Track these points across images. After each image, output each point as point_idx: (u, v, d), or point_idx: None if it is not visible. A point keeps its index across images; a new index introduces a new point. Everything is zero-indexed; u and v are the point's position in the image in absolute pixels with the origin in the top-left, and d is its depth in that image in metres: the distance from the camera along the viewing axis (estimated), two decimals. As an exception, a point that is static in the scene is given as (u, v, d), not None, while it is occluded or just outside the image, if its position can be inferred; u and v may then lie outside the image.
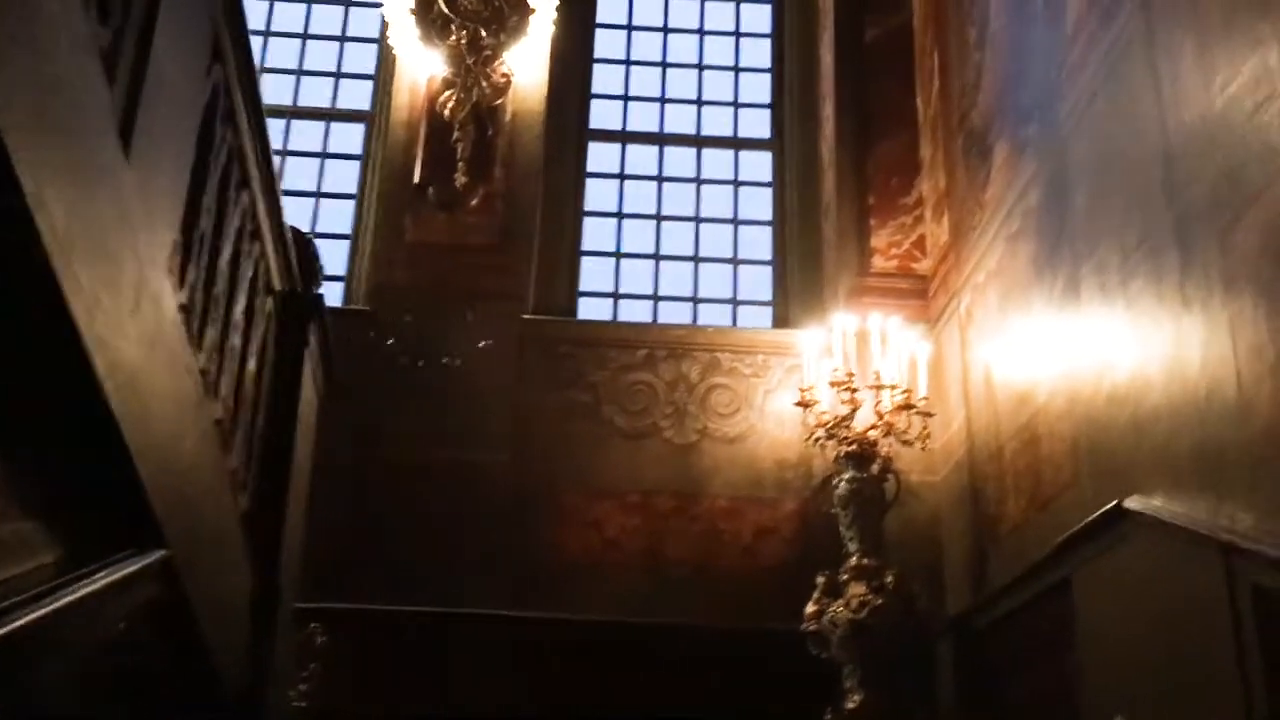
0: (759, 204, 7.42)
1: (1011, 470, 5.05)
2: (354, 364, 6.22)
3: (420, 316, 6.36)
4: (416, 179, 6.71)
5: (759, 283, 7.27)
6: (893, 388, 5.59)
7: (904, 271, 6.60)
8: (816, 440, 5.65)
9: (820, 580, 5.43)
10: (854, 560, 5.39)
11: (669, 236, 7.32)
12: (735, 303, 7.15)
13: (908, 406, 5.57)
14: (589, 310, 7.02)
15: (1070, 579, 4.17)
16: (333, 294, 6.96)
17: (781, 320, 7.00)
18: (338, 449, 6.05)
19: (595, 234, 7.27)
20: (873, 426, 5.59)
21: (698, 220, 7.35)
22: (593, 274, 7.17)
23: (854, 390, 5.53)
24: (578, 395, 6.36)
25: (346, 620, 5.57)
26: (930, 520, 6.02)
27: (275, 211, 3.21)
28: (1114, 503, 3.73)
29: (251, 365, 3.19)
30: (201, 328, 2.74)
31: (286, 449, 3.34)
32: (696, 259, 7.26)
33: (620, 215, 7.34)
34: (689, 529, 6.10)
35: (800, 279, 7.07)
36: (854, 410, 5.52)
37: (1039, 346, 4.82)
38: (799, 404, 5.70)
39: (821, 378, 5.81)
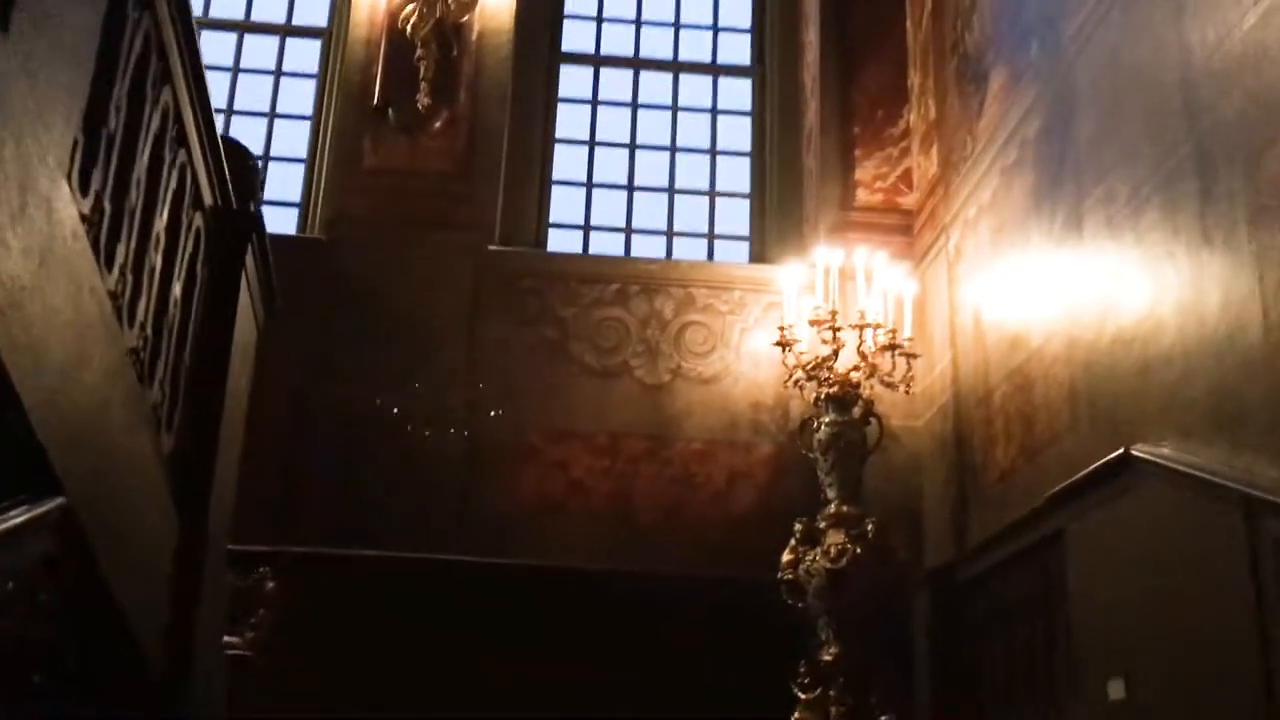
0: (738, 133, 7.07)
1: (1001, 416, 4.79)
2: (307, 296, 5.88)
3: (378, 246, 5.99)
4: (376, 100, 6.30)
5: (737, 216, 6.95)
6: (877, 327, 5.31)
7: (889, 206, 6.29)
8: (795, 382, 5.36)
9: (797, 528, 5.17)
10: (832, 508, 5.14)
11: (643, 166, 6.97)
12: (712, 237, 6.83)
13: (893, 347, 5.29)
14: (558, 243, 6.68)
15: (1064, 531, 3.92)
16: (286, 221, 6.60)
17: (759, 256, 6.69)
18: (290, 385, 5.74)
19: (565, 163, 6.91)
20: (855, 368, 5.31)
21: (673, 150, 6.99)
22: (562, 205, 6.82)
23: (837, 329, 5.24)
24: (545, 331, 6.04)
25: (297, 565, 5.27)
26: (910, 467, 5.78)
27: (204, 115, 2.84)
28: (1119, 451, 3.47)
29: (177, 289, 2.84)
30: (111, 243, 2.39)
31: (218, 382, 3.00)
32: (672, 190, 6.91)
33: (592, 143, 6.97)
34: (660, 473, 5.83)
35: (780, 213, 6.75)
36: (837, 350, 5.23)
37: (1035, 285, 4.54)
38: (778, 343, 5.40)
39: (802, 316, 5.51)
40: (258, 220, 3.02)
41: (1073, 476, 3.90)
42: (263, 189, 3.18)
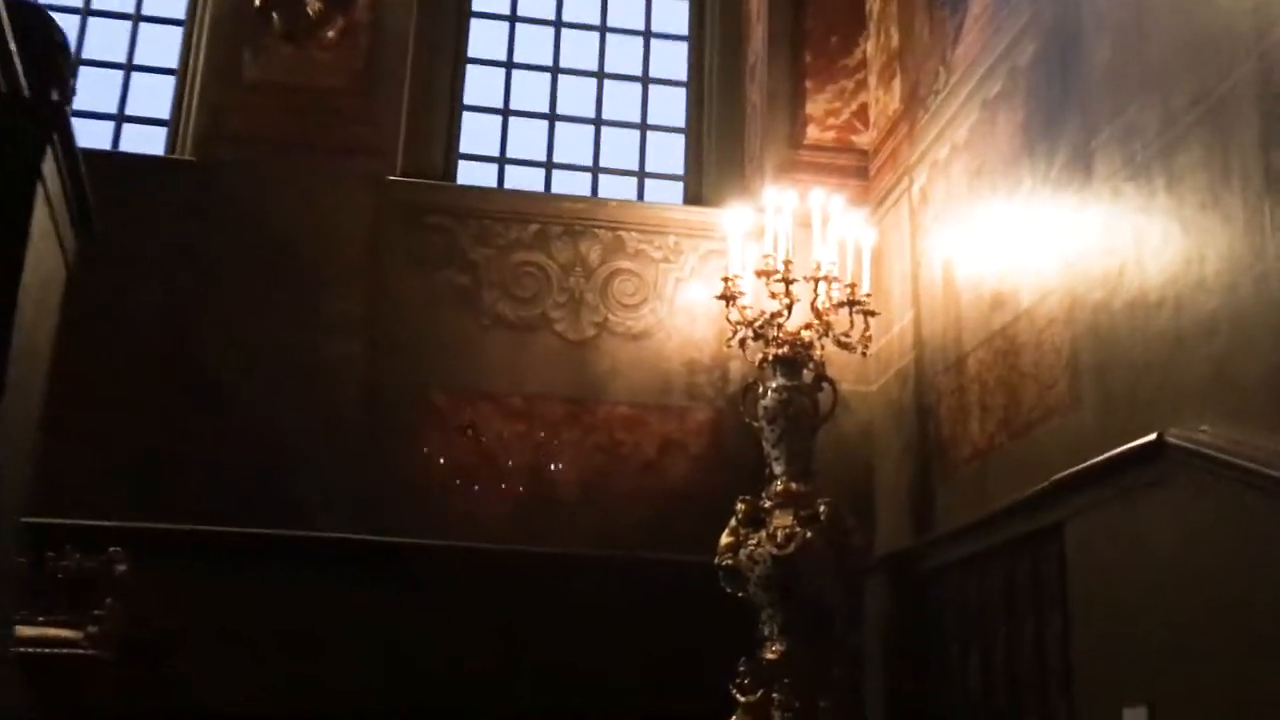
0: (673, 60, 6.33)
1: (977, 385, 4.20)
2: (173, 229, 5.05)
3: (260, 173, 5.15)
4: (258, 2, 5.42)
5: (670, 152, 6.23)
6: (833, 280, 4.66)
7: (842, 145, 5.64)
8: (740, 340, 4.70)
9: (740, 507, 4.53)
10: (779, 485, 4.51)
11: (567, 93, 6.20)
12: (643, 175, 6.10)
13: (851, 303, 4.65)
14: (470, 175, 5.90)
15: (1063, 526, 3.35)
16: (153, 141, 5.71)
17: (694, 197, 5.99)
18: (153, 334, 4.92)
19: (479, 85, 6.10)
20: (807, 326, 4.67)
21: (601, 76, 6.24)
22: (475, 132, 6.03)
23: (790, 282, 4.58)
24: (453, 276, 5.28)
25: (156, 544, 4.50)
26: (861, 438, 5.18)
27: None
28: (1151, 436, 2.87)
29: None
30: None
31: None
32: (599, 121, 6.16)
33: (510, 65, 6.18)
34: (582, 440, 5.14)
35: (718, 150, 6.05)
36: (790, 306, 4.58)
37: (1026, 236, 3.93)
38: (721, 296, 4.73)
39: (747, 266, 4.85)
40: (60, 115, 2.23)
41: (1072, 461, 3.34)
42: (75, 76, 2.38)
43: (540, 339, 5.24)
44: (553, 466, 5.10)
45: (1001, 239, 4.11)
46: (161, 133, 5.69)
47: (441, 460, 5.00)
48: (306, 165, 5.17)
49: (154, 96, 5.86)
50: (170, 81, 5.75)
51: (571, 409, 5.17)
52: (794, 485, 4.51)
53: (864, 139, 5.64)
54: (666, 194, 6.13)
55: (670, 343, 5.32)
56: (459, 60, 6.05)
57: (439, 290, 5.23)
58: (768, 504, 4.52)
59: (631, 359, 5.28)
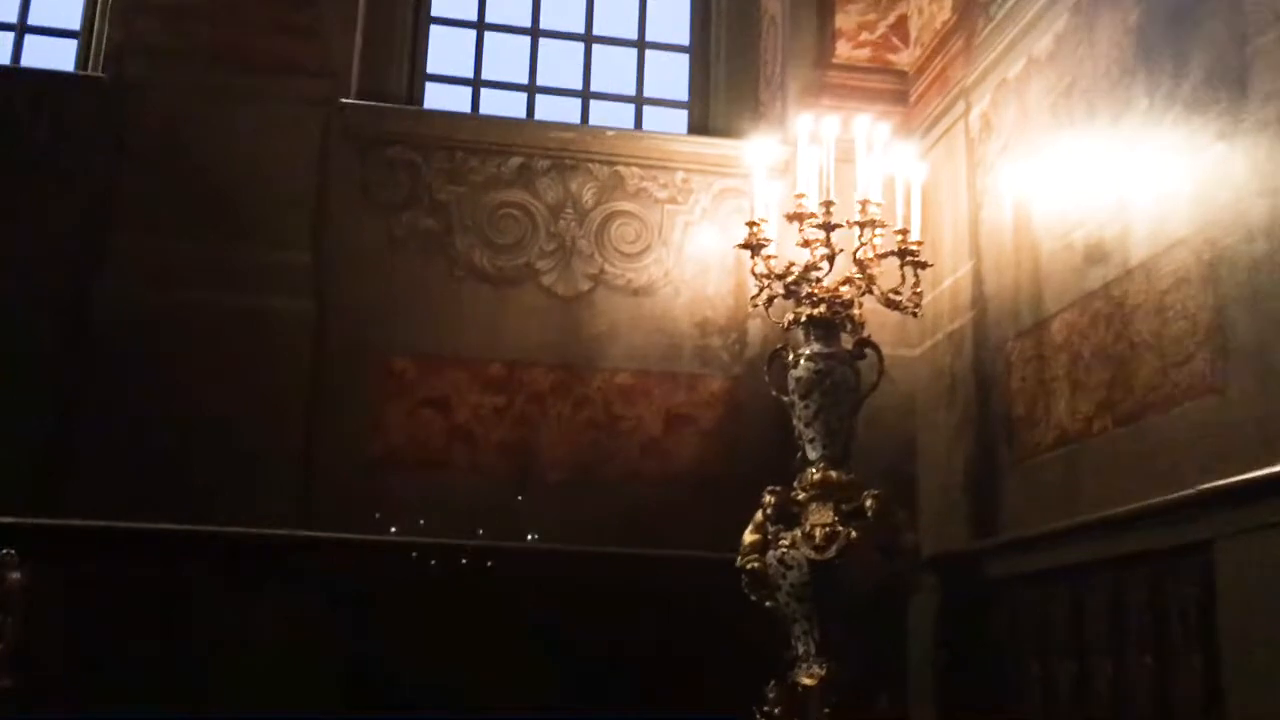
0: (676, -35, 5.45)
1: (1065, 355, 3.41)
2: (82, 159, 4.17)
3: (186, 92, 4.26)
4: (182, -114, 4.49)
5: (672, 74, 5.36)
6: (879, 225, 3.85)
7: (878, 64, 4.79)
8: (768, 298, 3.89)
9: (768, 499, 3.76)
10: (815, 472, 3.73)
11: (553, 4, 5.31)
12: (640, 100, 5.24)
13: (903, 253, 3.85)
14: (439, 99, 5.02)
15: (1212, 546, 2.58)
16: (61, 54, 4.80)
17: (700, 127, 5.13)
18: (58, 287, 4.07)
19: (450, -7, 5.21)
20: (846, 280, 3.86)
21: (592, -17, 5.34)
22: (445, 49, 5.14)
23: (831, 228, 3.76)
24: (419, 219, 4.43)
25: (62, 544, 3.73)
26: (900, 412, 4.38)
27: None
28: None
29: None
30: None
31: None
32: (590, 38, 5.28)
33: (485, -31, 5.27)
34: (574, 415, 4.33)
35: (729, 71, 5.18)
36: (831, 256, 3.76)
37: (1136, 172, 3.12)
38: (744, 245, 3.90)
39: (773, 209, 4.03)
40: None
41: (1212, 458, 2.59)
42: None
43: (524, 294, 4.41)
44: (539, 446, 4.29)
45: (1101, 175, 3.30)
46: (71, 46, 4.79)
47: (405, 440, 4.18)
48: (240, 85, 4.29)
49: (62, 5, 4.95)
50: (81, -15, 4.83)
51: (561, 377, 4.35)
52: (833, 473, 3.72)
53: (903, 58, 4.79)
54: (668, 122, 5.28)
55: (678, 299, 4.50)
56: (426, -37, 5.15)
57: (401, 236, 4.38)
58: (801, 495, 3.74)
59: (632, 318, 4.45)
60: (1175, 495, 2.66)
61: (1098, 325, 3.26)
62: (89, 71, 4.52)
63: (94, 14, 4.69)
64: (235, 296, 4.07)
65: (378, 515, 4.04)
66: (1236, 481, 2.46)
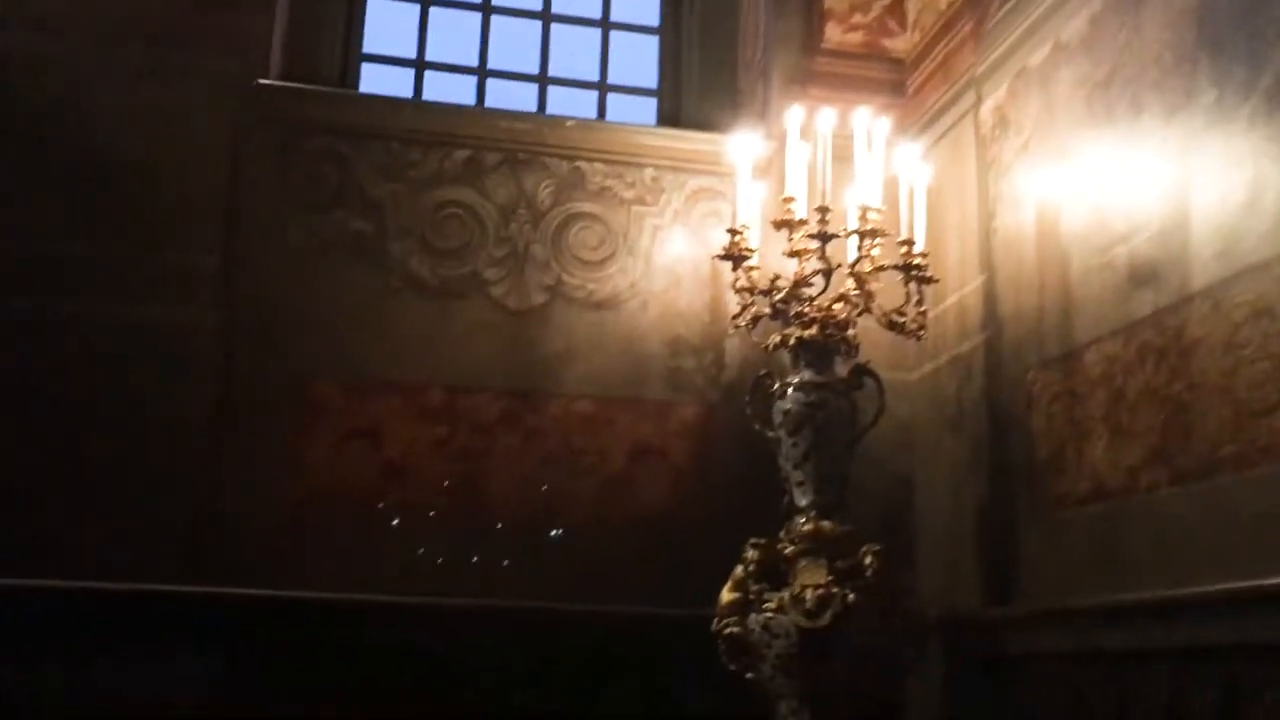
0: (644, -63, 4.89)
1: (1104, 393, 2.89)
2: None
3: (73, 70, 3.65)
4: None
5: (638, 58, 4.80)
6: (880, 234, 3.32)
7: (871, 50, 4.25)
8: (752, 318, 3.35)
9: (750, 554, 3.22)
10: (805, 522, 3.20)
11: (506, -22, 4.74)
12: (604, 87, 4.67)
13: (908, 267, 3.32)
14: (375, 82, 4.44)
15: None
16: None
17: (670, 118, 4.58)
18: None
19: (389, -37, 4.62)
20: (841, 297, 3.33)
21: (550, -44, 4.77)
22: (382, 26, 4.55)
23: (827, 237, 3.22)
24: (347, 220, 3.84)
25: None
26: (894, 444, 3.82)
27: None
28: None
29: None
30: None
31: None
32: (547, 16, 4.71)
33: (430, -63, 4.68)
34: (525, 449, 3.77)
35: (703, 56, 4.64)
36: (828, 271, 3.23)
37: (1198, 178, 2.61)
38: (725, 256, 3.36)
39: (754, 212, 3.49)
40: None
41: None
42: None
43: (470, 308, 3.84)
44: (485, 485, 3.72)
45: (1151, 181, 2.78)
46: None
47: (328, 480, 3.59)
48: (139, 61, 3.68)
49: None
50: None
51: (511, 405, 3.79)
52: (826, 524, 3.20)
53: (899, 44, 4.26)
54: (635, 112, 4.73)
55: (646, 314, 3.94)
56: (362, -71, 4.55)
57: (328, 239, 3.80)
58: (789, 549, 3.21)
59: (594, 336, 3.89)
60: (1270, 582, 2.14)
61: (1146, 360, 2.74)
62: (-33, 46, 3.89)
63: (-25, -22, 4.07)
64: (126, 307, 3.48)
65: (294, 568, 3.46)
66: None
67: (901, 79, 4.21)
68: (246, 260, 3.66)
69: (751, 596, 3.21)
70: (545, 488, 3.75)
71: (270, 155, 3.81)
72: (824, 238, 3.20)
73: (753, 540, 3.23)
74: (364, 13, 4.48)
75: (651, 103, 4.71)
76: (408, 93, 4.47)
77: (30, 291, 3.42)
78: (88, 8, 3.66)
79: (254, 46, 3.90)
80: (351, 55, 4.40)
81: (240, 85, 3.81)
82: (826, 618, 3.08)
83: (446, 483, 3.67)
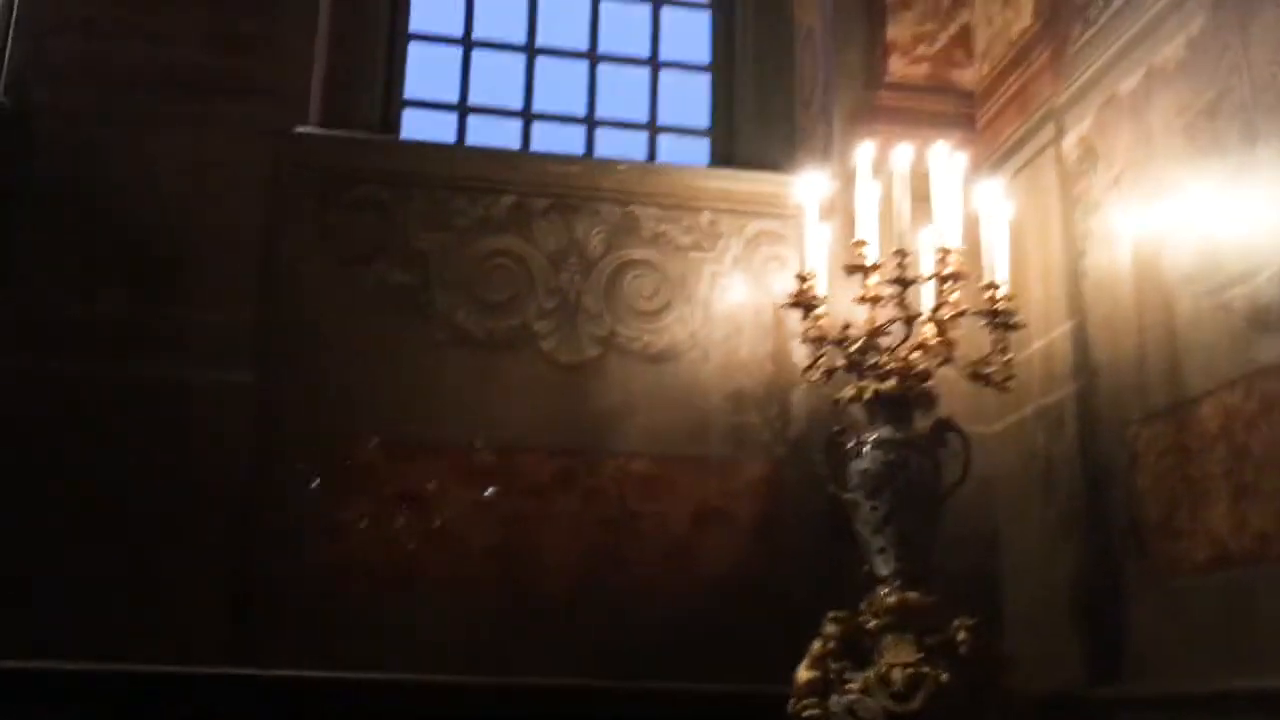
0: (694, -28, 4.71)
1: (1224, 448, 2.62)
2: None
3: (101, 122, 3.49)
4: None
5: (690, 97, 4.60)
6: (962, 278, 3.07)
7: (938, 83, 4.03)
8: (824, 371, 3.11)
9: (830, 629, 2.96)
10: (890, 594, 2.93)
11: (552, 17, 4.55)
12: (654, 128, 4.47)
13: (995, 313, 3.07)
14: (417, 127, 4.25)
15: None
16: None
17: (725, 157, 4.37)
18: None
19: (432, 5, 4.44)
20: (920, 345, 3.08)
21: (596, -7, 4.60)
22: (425, 69, 4.38)
23: (907, 283, 2.98)
24: (390, 272, 3.64)
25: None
26: (976, 503, 3.53)
27: None
28: None
29: None
30: None
31: None
32: (593, 56, 4.52)
33: (472, -23, 4.53)
34: (580, 513, 3.52)
35: (758, 93, 4.43)
36: (910, 320, 2.98)
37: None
38: (794, 304, 3.13)
39: (822, 256, 3.26)
40: None
41: None
42: None
43: (519, 363, 3.61)
44: (538, 552, 3.48)
45: (1272, 216, 2.52)
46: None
47: (369, 548, 3.36)
48: (170, 109, 3.51)
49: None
50: (-5, -2, 4.07)
51: (565, 465, 3.54)
52: (912, 595, 2.93)
53: (967, 75, 4.04)
54: (686, 154, 4.52)
55: (706, 366, 3.70)
56: (402, -29, 4.40)
57: (369, 293, 3.59)
58: (873, 624, 2.94)
59: (651, 390, 3.65)
60: None
61: (1273, 412, 2.47)
62: (-3, 98, 3.75)
63: (5, 35, 3.94)
64: (156, 366, 3.28)
65: (333, 640, 3.22)
66: None
67: (970, 112, 3.98)
68: (284, 315, 3.46)
69: (832, 675, 2.94)
70: (601, 553, 3.49)
71: (308, 205, 3.62)
72: (904, 283, 2.96)
73: (832, 614, 2.97)
74: (404, 57, 4.31)
75: (703, 143, 4.49)
76: (450, 138, 4.29)
77: (58, 352, 3.23)
78: (109, 57, 3.50)
79: (291, 93, 3.72)
80: (392, 100, 4.22)
81: (276, 133, 3.63)
82: (918, 701, 2.81)
83: (495, 549, 3.42)
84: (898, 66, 4.03)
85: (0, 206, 3.34)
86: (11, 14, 3.81)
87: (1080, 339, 3.25)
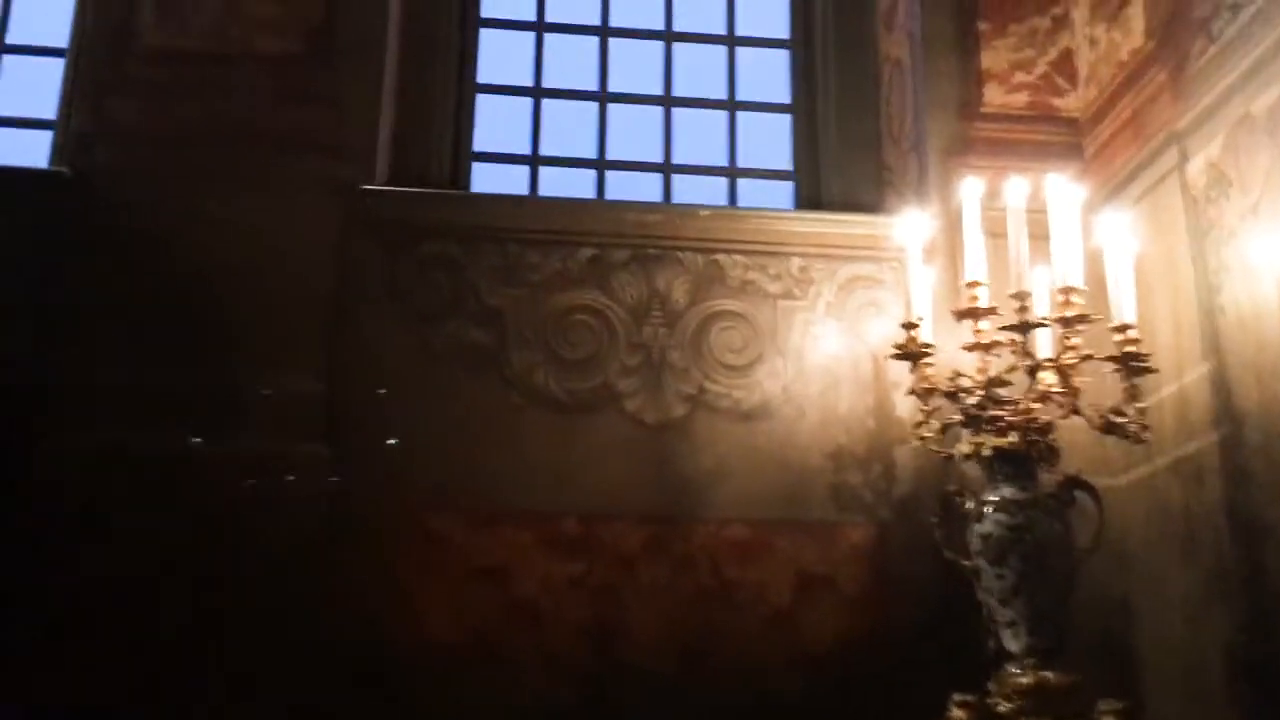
0: (770, 9, 4.51)
1: None
2: (39, 271, 3.29)
3: (166, 183, 3.36)
4: (169, -65, 3.65)
5: (770, 139, 4.38)
6: (1087, 320, 2.80)
7: (1040, 111, 3.77)
8: (940, 425, 2.85)
9: (958, 713, 2.67)
10: (1023, 674, 2.64)
11: (623, 62, 4.39)
12: (734, 172, 4.26)
13: (1127, 357, 2.79)
14: (488, 181, 4.09)
15: None
16: (36, 149, 3.95)
17: (810, 199, 4.14)
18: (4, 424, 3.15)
19: (498, 53, 4.31)
20: (1044, 396, 2.80)
21: (669, 36, 4.42)
22: (494, 121, 4.23)
23: (1028, 328, 2.72)
24: (464, 331, 3.45)
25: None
26: (1108, 564, 3.22)
27: None
28: None
29: None
30: None
31: None
32: (668, 100, 4.34)
33: (542, 26, 4.38)
34: (672, 583, 3.27)
35: (841, 131, 4.20)
36: (1034, 369, 2.72)
37: None
38: (900, 355, 2.88)
39: (925, 301, 3.01)
40: None
41: None
42: None
43: (602, 424, 3.39)
44: (628, 626, 3.23)
45: None
46: (46, 138, 3.94)
47: (448, 626, 3.14)
48: (234, 169, 3.38)
49: (39, 91, 4.13)
50: (59, 67, 4.00)
51: (654, 532, 3.30)
52: (1049, 674, 2.64)
53: (1070, 101, 3.78)
54: (768, 197, 4.29)
55: (803, 422, 3.44)
56: (471, 22, 4.27)
57: (442, 352, 3.41)
58: (1003, 707, 2.65)
59: (744, 449, 3.40)
60: None
61: None
62: (60, 167, 3.65)
63: (69, 98, 3.86)
64: (222, 439, 3.11)
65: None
66: None
67: (1076, 140, 3.72)
68: (353, 379, 3.28)
69: (960, 764, 2.65)
70: (695, 627, 3.23)
71: (377, 264, 3.46)
72: (1025, 328, 2.70)
73: (957, 697, 2.70)
74: (473, 109, 4.16)
75: (786, 186, 4.27)
76: (522, 190, 4.12)
77: (118, 424, 3.07)
78: (170, 115, 3.39)
79: (357, 150, 3.58)
80: (461, 154, 4.07)
81: (343, 190, 3.48)
82: (1061, 796, 2.51)
83: (582, 624, 3.18)
84: (994, 96, 3.78)
85: (58, 276, 3.21)
86: (76, 78, 3.75)
87: (1220, 383, 2.94)
